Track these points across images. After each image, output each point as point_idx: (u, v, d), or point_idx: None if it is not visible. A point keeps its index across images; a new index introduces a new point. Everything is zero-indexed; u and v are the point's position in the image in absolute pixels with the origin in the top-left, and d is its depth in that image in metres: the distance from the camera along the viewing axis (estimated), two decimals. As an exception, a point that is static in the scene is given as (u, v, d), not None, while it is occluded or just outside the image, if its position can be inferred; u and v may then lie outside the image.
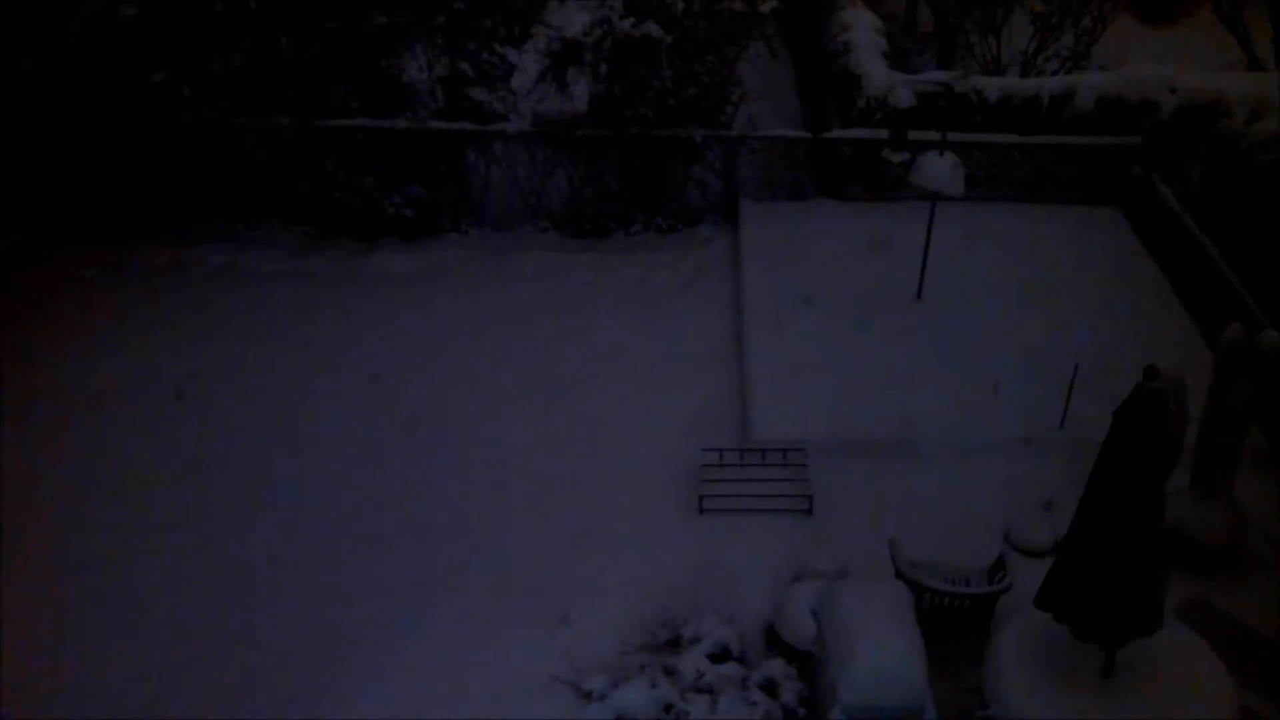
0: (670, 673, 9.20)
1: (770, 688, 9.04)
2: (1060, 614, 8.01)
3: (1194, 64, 16.08)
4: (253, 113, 15.24)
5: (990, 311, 13.46)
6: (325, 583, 10.34)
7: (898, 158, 14.39)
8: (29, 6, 14.08)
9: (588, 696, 9.13)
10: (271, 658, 9.60)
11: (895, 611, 8.33)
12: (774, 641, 9.59)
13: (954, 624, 9.44)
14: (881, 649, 8.01)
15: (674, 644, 9.58)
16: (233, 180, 15.74)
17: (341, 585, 10.31)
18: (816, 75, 18.81)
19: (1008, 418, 11.85)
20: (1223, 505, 10.18)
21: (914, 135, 14.13)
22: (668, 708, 8.93)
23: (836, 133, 15.98)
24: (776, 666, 9.20)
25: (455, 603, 10.11)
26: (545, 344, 13.43)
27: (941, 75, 16.05)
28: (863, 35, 17.22)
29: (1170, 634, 8.39)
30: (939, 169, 12.66)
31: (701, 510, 11.08)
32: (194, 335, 13.57)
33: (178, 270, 14.85)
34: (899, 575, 9.36)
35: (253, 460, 11.71)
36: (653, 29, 14.82)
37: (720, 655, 9.35)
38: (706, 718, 8.83)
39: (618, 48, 15.07)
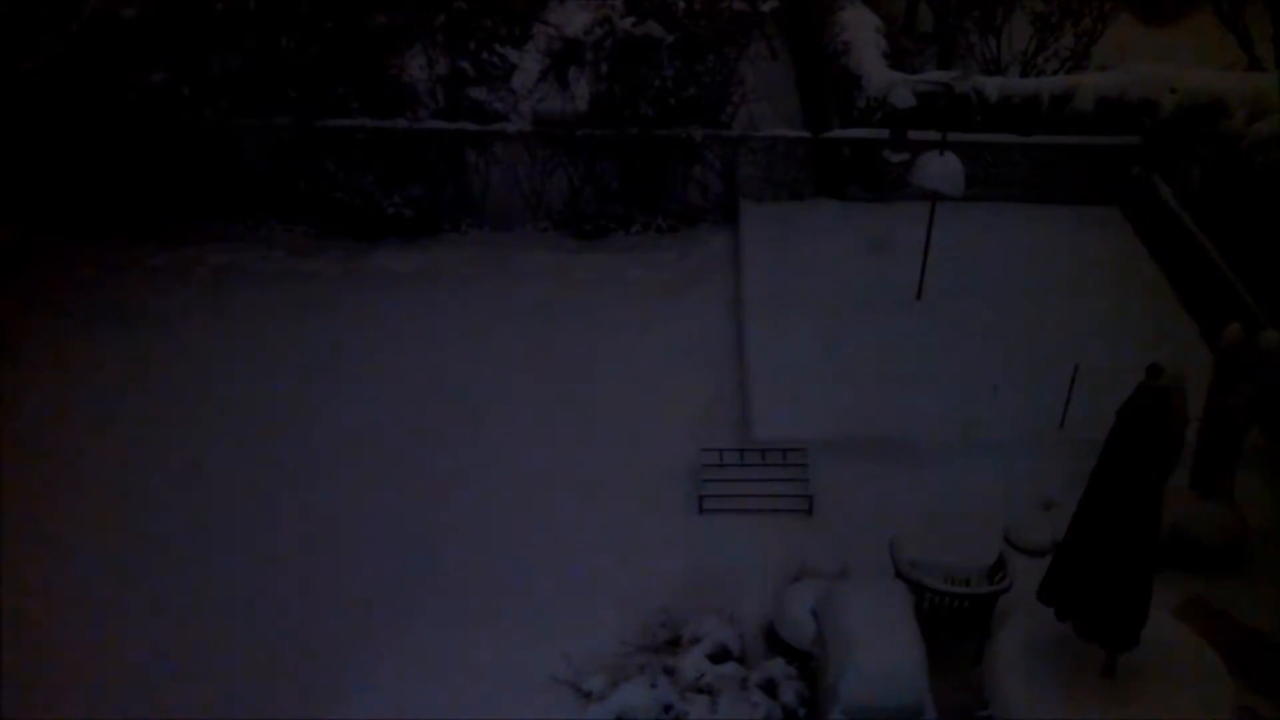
0: (670, 673, 9.20)
1: (770, 688, 9.04)
2: (1061, 611, 8.03)
3: (1194, 64, 16.08)
4: (253, 113, 15.25)
5: (990, 312, 13.47)
6: (325, 582, 10.34)
7: (898, 158, 14.40)
8: (29, 7, 14.09)
9: (588, 696, 9.14)
10: (272, 658, 9.60)
11: (895, 611, 8.33)
12: (774, 641, 9.59)
13: (954, 624, 9.44)
14: (881, 649, 8.01)
15: (674, 644, 9.57)
16: (233, 180, 15.74)
17: (342, 585, 10.31)
18: (816, 75, 18.81)
19: (1008, 418, 11.85)
20: (1223, 505, 10.18)
21: (914, 135, 14.13)
22: (668, 708, 8.93)
23: (836, 133, 15.98)
24: (776, 666, 9.20)
25: (455, 603, 10.11)
26: (545, 344, 13.43)
27: (941, 75, 16.09)
28: (863, 35, 17.22)
29: (1170, 634, 8.41)
30: (939, 169, 12.66)
31: (701, 510, 11.08)
32: (194, 335, 13.57)
33: (178, 270, 14.86)
34: (899, 575, 9.36)
35: (252, 460, 11.71)
36: (654, 28, 14.83)
37: (720, 655, 9.35)
38: (706, 718, 8.83)
39: (618, 47, 15.08)
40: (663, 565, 10.43)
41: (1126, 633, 7.85)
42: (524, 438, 12.04)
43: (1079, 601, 7.90)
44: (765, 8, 15.68)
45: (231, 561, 10.55)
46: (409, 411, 12.39)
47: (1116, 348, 12.20)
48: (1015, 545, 10.48)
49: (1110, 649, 8.00)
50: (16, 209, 15.25)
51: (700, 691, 9.02)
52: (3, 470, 11.41)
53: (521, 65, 15.87)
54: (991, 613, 9.46)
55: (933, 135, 13.19)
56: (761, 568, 10.32)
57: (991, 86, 15.85)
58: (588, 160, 15.87)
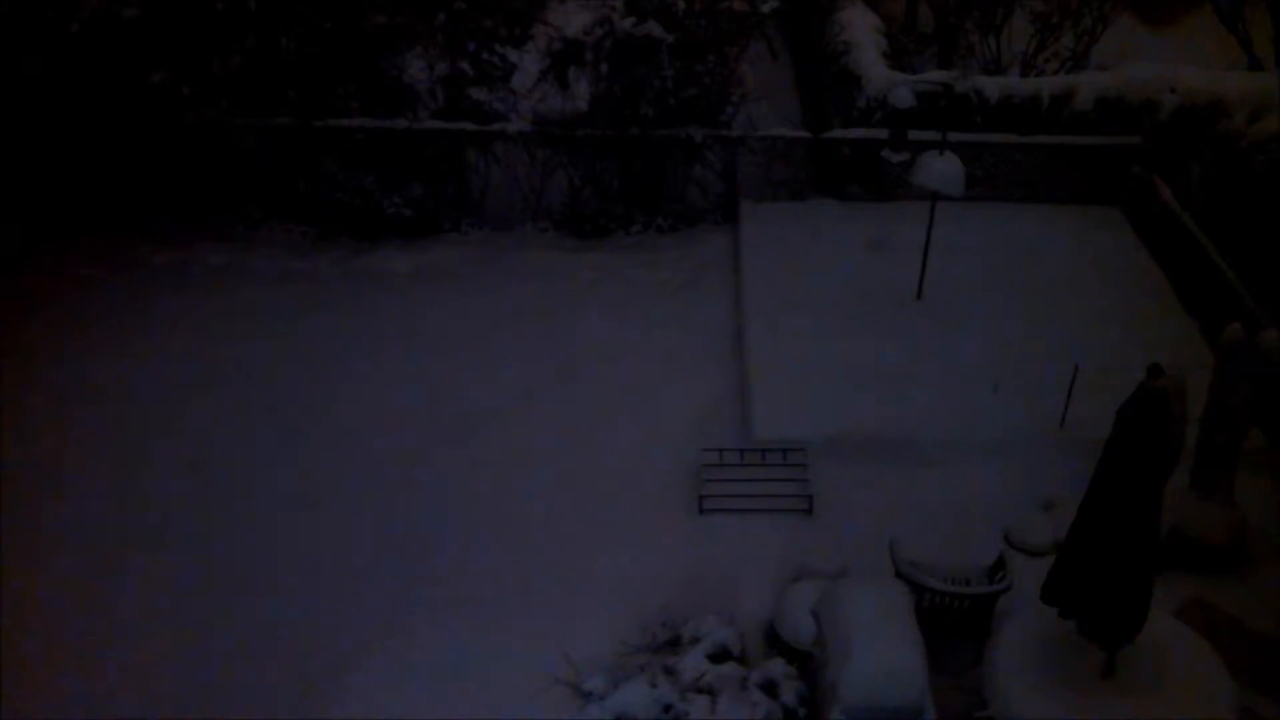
0: (670, 673, 9.19)
1: (770, 688, 9.05)
2: (1064, 610, 8.02)
3: (1194, 64, 16.08)
4: (253, 113, 15.24)
5: (990, 311, 13.47)
6: (325, 583, 10.34)
7: (898, 158, 14.39)
8: (30, 7, 14.08)
9: (588, 696, 9.13)
10: (271, 658, 9.60)
11: (895, 611, 8.33)
12: (774, 641, 9.59)
13: (954, 624, 9.44)
14: (881, 649, 8.00)
15: (674, 644, 9.57)
16: (233, 180, 15.74)
17: (341, 585, 10.31)
18: (816, 75, 18.81)
19: (1008, 418, 11.85)
20: (1223, 505, 10.18)
21: (914, 135, 14.13)
22: (667, 708, 8.93)
23: (836, 133, 15.98)
24: (776, 666, 9.20)
25: (455, 603, 10.11)
26: (545, 344, 13.43)
27: (941, 75, 16.08)
28: (863, 35, 17.22)
29: (1170, 634, 8.41)
30: (939, 169, 12.65)
31: (701, 510, 11.08)
32: (194, 335, 13.57)
33: (178, 270, 14.85)
34: (899, 575, 9.36)
35: (253, 460, 11.71)
36: (654, 28, 14.82)
37: (720, 655, 9.35)
38: (706, 718, 8.83)
39: (618, 47, 15.07)
40: (663, 565, 10.43)
41: (1127, 632, 7.86)
42: (523, 437, 12.03)
43: (1081, 601, 7.91)
44: (765, 9, 15.68)
45: (231, 561, 10.55)
46: (408, 411, 12.38)
47: (1117, 348, 12.20)
48: (1015, 545, 10.49)
49: (1108, 646, 8.00)
50: (16, 209, 15.24)
51: (700, 691, 9.01)
52: (2, 469, 11.40)
53: (521, 65, 15.86)
54: (991, 613, 9.46)
55: (933, 135, 13.18)
56: (761, 568, 10.32)
57: (991, 86, 15.84)
58: (588, 160, 15.86)
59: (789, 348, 12.90)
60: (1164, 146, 15.40)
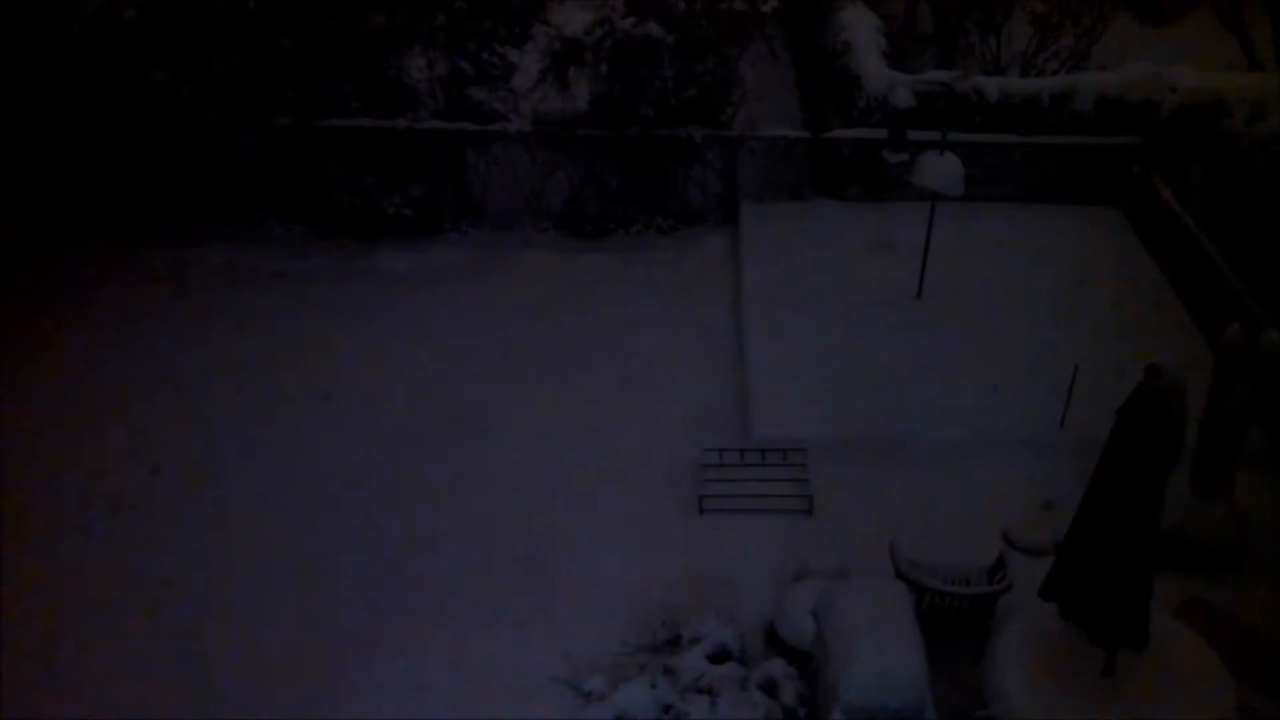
0: (670, 673, 9.20)
1: (770, 688, 9.05)
2: (1065, 612, 8.03)
3: (1194, 64, 16.09)
4: (253, 113, 15.25)
5: (990, 311, 13.47)
6: (325, 583, 10.34)
7: (897, 158, 14.40)
8: (30, 6, 14.09)
9: (587, 696, 9.14)
10: (271, 659, 9.59)
11: (895, 611, 8.32)
12: (774, 641, 9.59)
13: (954, 624, 9.44)
14: (881, 649, 8.00)
15: (674, 644, 9.58)
16: (233, 180, 15.74)
17: (341, 585, 10.31)
18: (816, 75, 18.82)
19: (1008, 418, 11.85)
20: (1223, 505, 10.18)
21: (914, 135, 14.13)
22: (667, 708, 8.93)
23: (836, 133, 15.98)
24: (776, 666, 9.21)
25: (455, 603, 10.11)
26: (545, 344, 13.43)
27: (941, 75, 16.08)
28: (863, 35, 17.22)
29: (1170, 634, 8.41)
30: (939, 169, 12.65)
31: (701, 510, 11.08)
32: (194, 335, 13.57)
33: (178, 270, 14.85)
34: (899, 575, 9.36)
35: (252, 461, 11.71)
36: (654, 29, 14.83)
37: (720, 655, 9.35)
38: (706, 718, 8.83)
39: (618, 47, 15.08)
40: (663, 565, 10.43)
41: (1133, 633, 7.86)
42: (523, 438, 12.03)
43: (1082, 603, 7.91)
44: (765, 8, 15.69)
45: (231, 561, 10.55)
46: (408, 411, 12.39)
47: (1116, 348, 12.20)
48: (1015, 545, 10.48)
49: (1115, 649, 8.00)
50: (16, 209, 15.24)
51: (700, 691, 9.02)
52: (2, 470, 11.41)
53: (521, 65, 15.87)
54: (991, 613, 9.46)
55: (933, 135, 13.18)
56: (761, 568, 10.32)
57: (991, 86, 15.84)
58: (588, 160, 15.86)
59: (789, 348, 12.90)
60: (1164, 146, 15.40)
